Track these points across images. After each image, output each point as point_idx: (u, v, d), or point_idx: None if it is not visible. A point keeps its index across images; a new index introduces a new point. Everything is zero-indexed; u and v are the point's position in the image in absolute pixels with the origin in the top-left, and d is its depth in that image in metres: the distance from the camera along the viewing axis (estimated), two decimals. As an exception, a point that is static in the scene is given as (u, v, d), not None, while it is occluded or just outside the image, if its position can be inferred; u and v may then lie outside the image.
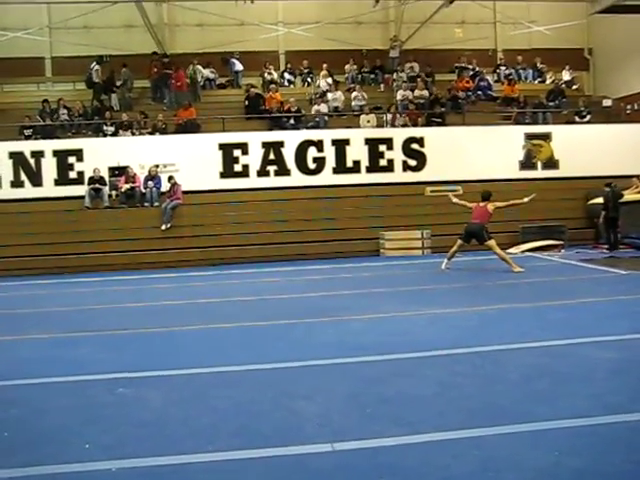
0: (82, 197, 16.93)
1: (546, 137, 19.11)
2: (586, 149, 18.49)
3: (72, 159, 17.43)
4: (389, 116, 20.04)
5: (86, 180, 17.16)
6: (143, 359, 7.13)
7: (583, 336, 7.37)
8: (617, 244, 15.95)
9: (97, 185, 17.05)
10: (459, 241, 13.59)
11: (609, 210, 15.71)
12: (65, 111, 19.89)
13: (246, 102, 20.47)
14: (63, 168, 17.41)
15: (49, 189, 17.29)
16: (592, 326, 7.94)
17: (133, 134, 18.84)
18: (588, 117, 20.31)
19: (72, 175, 17.41)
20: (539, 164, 19.03)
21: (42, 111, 19.81)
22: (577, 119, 20.35)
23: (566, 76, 23.57)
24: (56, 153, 17.44)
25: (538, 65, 23.89)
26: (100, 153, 17.57)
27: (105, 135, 18.86)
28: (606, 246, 15.96)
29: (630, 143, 18.60)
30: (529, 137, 19.06)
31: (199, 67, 22.04)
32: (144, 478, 4.16)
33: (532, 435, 4.59)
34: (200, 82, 22.18)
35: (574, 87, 23.56)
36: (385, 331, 8.16)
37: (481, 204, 13.49)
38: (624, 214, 16.43)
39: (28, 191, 17.25)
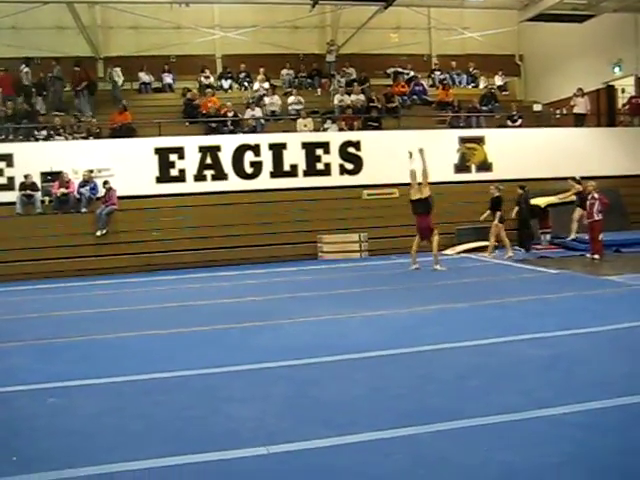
0: (13, 203, 16.44)
1: (480, 141, 19.50)
2: (518, 152, 18.96)
3: (1, 164, 16.91)
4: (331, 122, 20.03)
5: (17, 186, 16.68)
6: (75, 368, 6.97)
7: (514, 334, 7.57)
8: (529, 244, 16.34)
9: (29, 191, 16.57)
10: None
11: (521, 211, 16.20)
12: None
13: (186, 103, 20.06)
14: (-8, 174, 16.91)
15: (-23, 195, 16.74)
16: (522, 324, 8.16)
17: (66, 138, 18.38)
18: (520, 121, 20.82)
19: (2, 181, 16.88)
20: (473, 167, 19.41)
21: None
22: (509, 123, 20.85)
23: (498, 81, 24.17)
24: (-16, 159, 16.91)
25: (471, 70, 24.44)
26: (32, 158, 17.02)
27: (37, 139, 18.35)
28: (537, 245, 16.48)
29: (559, 146, 19.17)
30: (463, 141, 19.41)
31: (117, 70, 21.51)
32: (73, 489, 4.08)
33: (463, 432, 4.70)
34: (120, 85, 21.68)
35: (505, 92, 24.15)
36: (319, 334, 8.20)
37: None
38: (555, 215, 16.96)
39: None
